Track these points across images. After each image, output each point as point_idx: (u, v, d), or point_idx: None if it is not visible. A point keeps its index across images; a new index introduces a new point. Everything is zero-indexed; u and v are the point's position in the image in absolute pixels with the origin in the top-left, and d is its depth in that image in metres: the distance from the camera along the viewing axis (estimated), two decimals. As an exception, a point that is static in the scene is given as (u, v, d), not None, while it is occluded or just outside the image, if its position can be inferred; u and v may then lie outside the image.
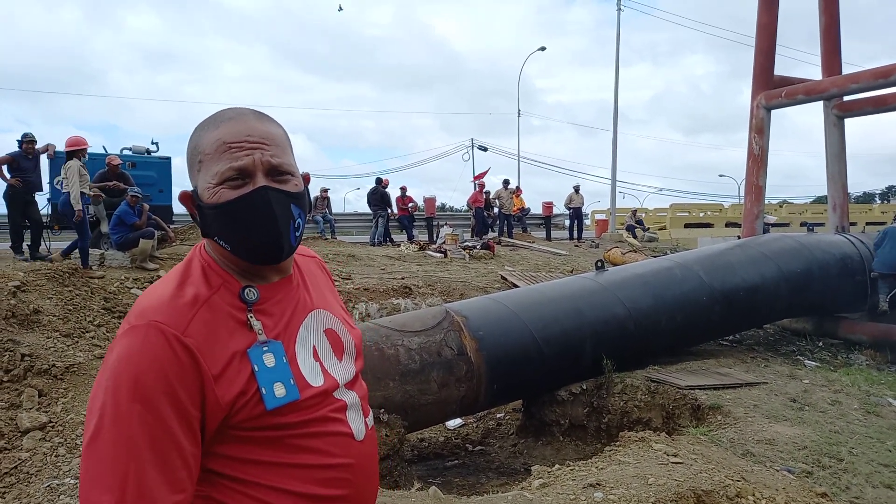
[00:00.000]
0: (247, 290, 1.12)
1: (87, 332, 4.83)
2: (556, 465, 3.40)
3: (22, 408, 3.61)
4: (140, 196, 9.00)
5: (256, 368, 1.07)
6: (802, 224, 26.16)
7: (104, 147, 11.68)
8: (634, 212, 24.25)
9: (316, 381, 1.15)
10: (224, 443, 1.07)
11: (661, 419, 5.57)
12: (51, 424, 3.56)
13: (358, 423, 1.21)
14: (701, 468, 3.19)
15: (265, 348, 1.09)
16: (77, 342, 4.56)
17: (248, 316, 1.10)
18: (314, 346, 1.19)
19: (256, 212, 1.10)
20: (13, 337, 3.60)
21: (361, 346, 1.34)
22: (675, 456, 3.38)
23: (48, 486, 3.07)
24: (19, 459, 3.22)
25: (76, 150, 8.34)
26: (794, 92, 9.58)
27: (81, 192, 8.06)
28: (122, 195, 9.37)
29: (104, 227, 9.40)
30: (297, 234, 1.17)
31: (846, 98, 10.11)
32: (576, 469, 3.27)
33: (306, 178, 1.26)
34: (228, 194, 1.09)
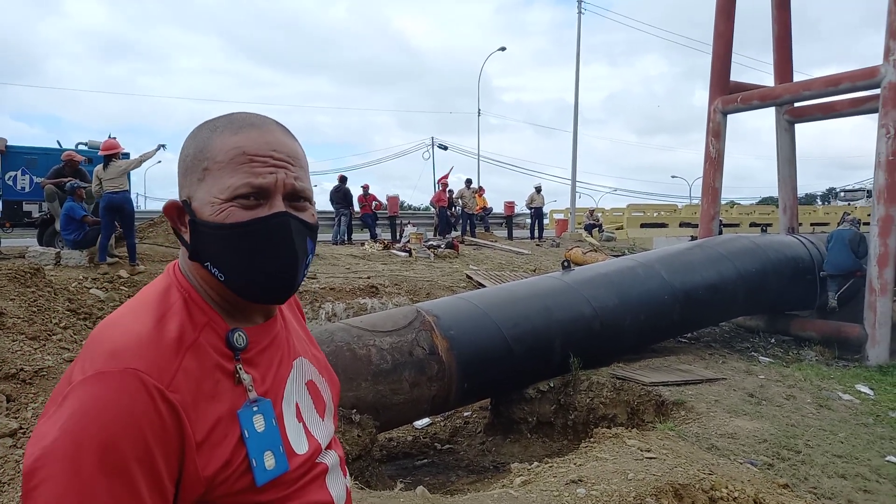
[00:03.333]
0: (236, 335, 0.94)
1: (53, 334, 4.66)
2: (536, 463, 3.47)
3: (-10, 414, 3.50)
4: (84, 188, 8.69)
5: (246, 434, 0.89)
6: (752, 224, 27.08)
7: (59, 142, 11.32)
8: (591, 212, 24.69)
9: (300, 446, 0.98)
10: None
11: (626, 415, 5.72)
12: (21, 431, 3.43)
13: (338, 488, 1.05)
14: (674, 463, 3.31)
15: (255, 408, 0.91)
16: (44, 345, 4.40)
17: (237, 367, 0.92)
18: (297, 404, 1.02)
19: (273, 240, 0.92)
20: (-23, 340, 3.47)
21: (339, 397, 1.17)
22: (649, 451, 3.50)
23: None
24: (-9, 467, 3.12)
25: (112, 153, 8.51)
26: (750, 98, 9.92)
27: (115, 191, 8.28)
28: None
29: (59, 225, 9.08)
30: (306, 271, 1.00)
31: (797, 104, 10.52)
32: (555, 466, 3.35)
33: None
34: (240, 214, 0.90)
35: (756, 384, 6.04)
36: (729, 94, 10.16)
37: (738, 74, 10.64)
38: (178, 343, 0.87)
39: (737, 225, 27.22)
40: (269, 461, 0.90)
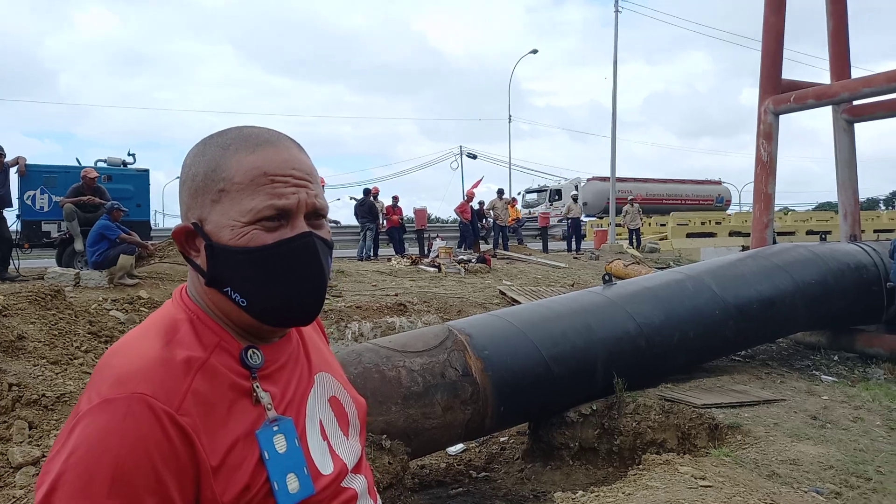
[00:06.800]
0: (250, 353, 0.95)
1: (75, 358, 4.80)
2: (581, 492, 3.42)
3: (12, 441, 3.57)
4: (124, 210, 8.98)
5: (267, 456, 0.89)
6: (809, 232, 26.50)
7: (77, 160, 11.68)
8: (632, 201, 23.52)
9: (325, 467, 0.98)
10: None
11: (676, 440, 5.62)
12: (44, 459, 3.55)
13: None
14: (732, 492, 3.24)
15: (275, 428, 0.92)
16: (66, 370, 4.54)
17: (254, 385, 0.92)
18: (320, 421, 1.02)
19: (300, 261, 0.94)
20: (-1, 365, 3.59)
21: (365, 417, 1.17)
22: (704, 479, 3.43)
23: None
24: (14, 497, 3.18)
25: None
26: (804, 97, 9.75)
27: None
28: (97, 210, 9.34)
29: (78, 245, 9.35)
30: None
31: (856, 102, 10.30)
32: (601, 495, 3.31)
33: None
34: (264, 237, 0.92)
35: (819, 405, 5.88)
36: (781, 93, 10.00)
37: (789, 71, 10.49)
38: (187, 365, 0.88)
39: (792, 233, 26.68)
40: (293, 484, 0.90)
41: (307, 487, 0.92)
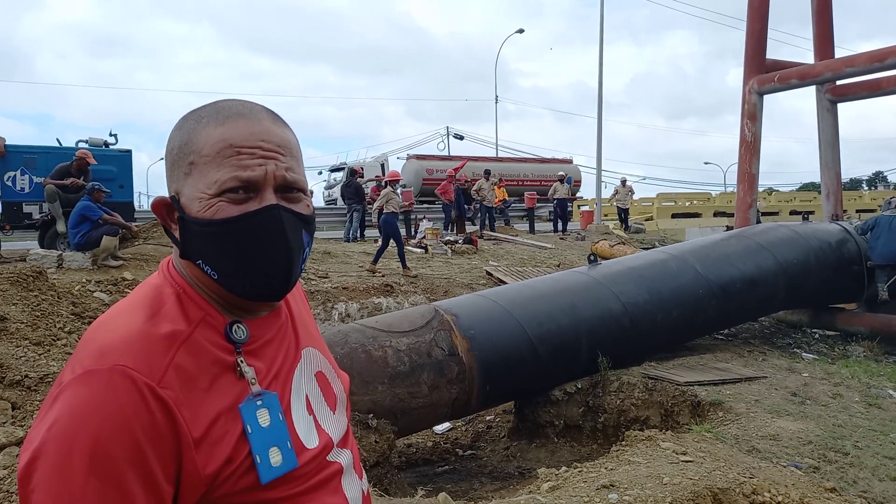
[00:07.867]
0: (235, 327, 0.95)
1: (58, 339, 4.77)
2: (564, 468, 3.47)
3: (-6, 422, 3.58)
4: (105, 191, 8.84)
5: (249, 429, 0.90)
6: (792, 212, 26.76)
7: (58, 140, 11.48)
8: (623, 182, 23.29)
9: (310, 441, 0.98)
10: None
11: (659, 417, 5.69)
12: (27, 439, 3.52)
13: (354, 490, 1.05)
14: (712, 466, 3.30)
15: (259, 402, 0.92)
16: (49, 350, 4.51)
17: (238, 360, 0.93)
18: (307, 396, 1.03)
19: (264, 235, 0.93)
20: (-20, 346, 3.55)
21: (349, 392, 1.18)
22: (685, 454, 3.49)
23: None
24: (-4, 478, 3.20)
25: (393, 181, 12.37)
26: (788, 76, 9.79)
27: (393, 211, 11.42)
28: (79, 192, 9.21)
29: (60, 227, 9.24)
30: (303, 266, 1.01)
31: (840, 82, 10.35)
32: (584, 471, 3.35)
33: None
34: (229, 209, 0.92)
35: (799, 382, 5.97)
36: (765, 73, 10.02)
37: (774, 52, 10.53)
38: (170, 339, 0.88)
39: (776, 213, 26.92)
40: (276, 457, 0.91)
41: (290, 461, 0.93)
